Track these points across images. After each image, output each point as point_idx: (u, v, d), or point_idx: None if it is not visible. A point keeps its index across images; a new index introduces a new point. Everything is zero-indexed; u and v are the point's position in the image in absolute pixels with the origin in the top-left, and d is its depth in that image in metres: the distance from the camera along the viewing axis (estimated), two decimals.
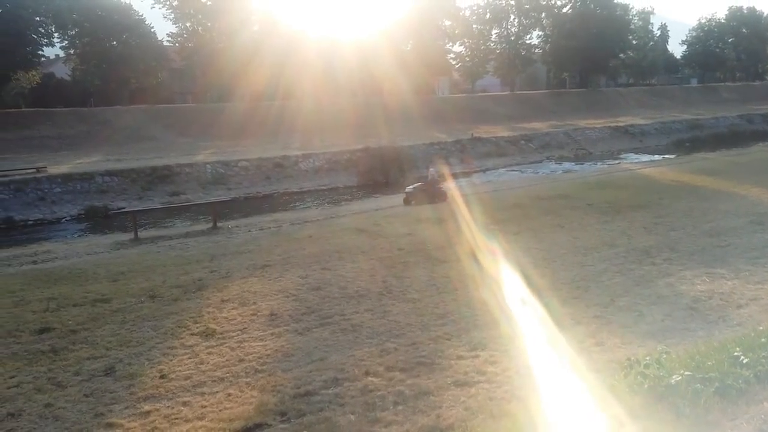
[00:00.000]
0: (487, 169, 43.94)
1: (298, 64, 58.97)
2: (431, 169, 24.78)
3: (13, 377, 8.87)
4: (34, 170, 31.73)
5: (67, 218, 28.86)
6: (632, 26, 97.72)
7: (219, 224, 20.03)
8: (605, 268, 13.43)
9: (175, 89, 68.47)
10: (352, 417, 7.40)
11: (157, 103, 57.48)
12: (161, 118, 51.26)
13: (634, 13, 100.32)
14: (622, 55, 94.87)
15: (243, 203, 31.63)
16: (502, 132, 54.40)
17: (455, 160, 44.59)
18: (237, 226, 20.06)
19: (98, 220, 28.16)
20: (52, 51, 65.17)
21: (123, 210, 27.47)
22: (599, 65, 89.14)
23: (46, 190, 30.10)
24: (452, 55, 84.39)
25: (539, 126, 59.30)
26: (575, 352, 8.88)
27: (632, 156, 50.22)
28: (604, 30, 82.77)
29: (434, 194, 23.38)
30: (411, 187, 24.19)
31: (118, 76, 55.82)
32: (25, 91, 50.85)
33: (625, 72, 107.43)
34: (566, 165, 45.52)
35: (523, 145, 51.83)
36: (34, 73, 50.73)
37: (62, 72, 63.65)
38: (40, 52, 50.40)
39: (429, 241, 16.38)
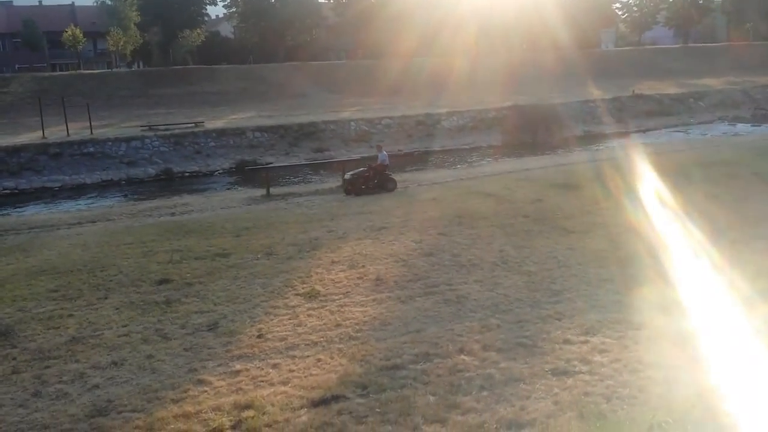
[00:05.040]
0: (648, 130, 40.70)
1: (452, 20, 57.77)
2: (380, 153, 20.08)
3: (125, 326, 9.37)
4: (193, 125, 33.91)
5: (219, 171, 30.62)
6: None
7: None
8: (764, 247, 11.69)
9: (329, 46, 70.04)
10: (431, 398, 6.96)
11: (311, 59, 59.14)
12: (313, 75, 52.69)
13: None
14: None
15: None
16: (668, 88, 50.13)
17: (611, 119, 41.76)
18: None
19: (247, 174, 29.45)
20: (216, 10, 69.13)
21: (265, 165, 28.41)
22: None
23: (202, 144, 32.09)
24: (618, 5, 78.65)
25: (713, 83, 53.85)
26: (703, 348, 7.76)
27: None
28: None
29: (381, 182, 19.24)
30: (351, 173, 19.64)
31: (275, 34, 57.99)
32: (193, 49, 54.39)
33: None
34: (740, 127, 40.95)
35: (692, 104, 47.43)
36: (198, 31, 54.07)
37: (227, 30, 67.37)
38: (203, 11, 53.70)
39: (560, 208, 15.33)
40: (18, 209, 23.82)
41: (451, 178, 21.19)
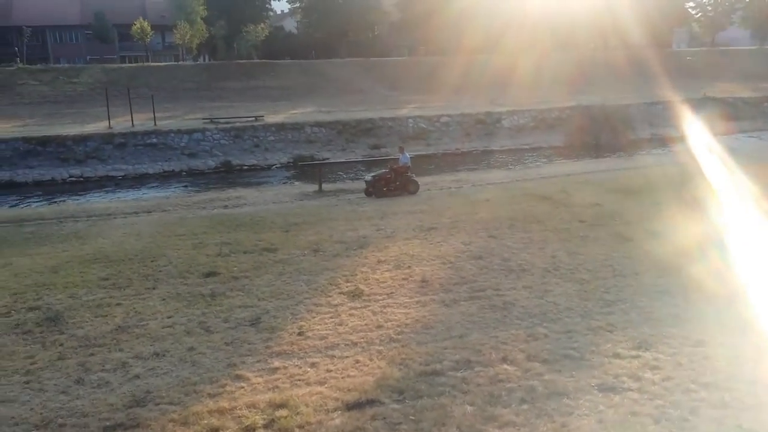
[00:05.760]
0: (719, 134, 38.93)
1: (519, 17, 56.76)
2: (402, 155, 19.45)
3: (170, 317, 9.44)
4: (253, 119, 34.38)
5: (277, 165, 30.91)
6: None
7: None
8: None
9: (391, 43, 69.93)
10: (469, 408, 6.71)
11: (373, 56, 59.16)
12: (373, 71, 52.73)
13: None
14: None
15: (439, 159, 31.43)
16: (742, 92, 48.03)
17: (680, 122, 40.17)
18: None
19: (302, 169, 29.64)
20: (281, 5, 69.98)
21: (320, 161, 28.46)
22: None
23: (261, 138, 32.52)
24: (692, 4, 75.73)
25: None
26: (765, 370, 7.24)
27: None
28: None
29: (402, 184, 18.64)
30: (371, 174, 19.15)
31: (337, 30, 58.33)
32: (257, 44, 55.23)
33: None
34: None
35: (767, 108, 45.24)
36: (262, 26, 54.81)
37: (291, 26, 68.18)
38: (268, 6, 54.57)
39: (619, 214, 14.75)
40: (80, 196, 24.67)
41: (507, 179, 20.74)
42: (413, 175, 19.29)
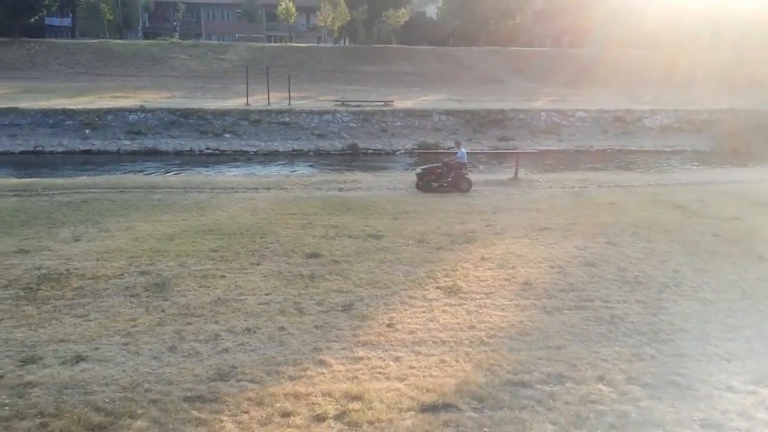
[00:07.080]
0: None
1: (674, 9, 52.97)
2: (459, 150, 18.16)
3: (267, 294, 9.60)
4: (383, 103, 34.61)
5: (401, 151, 30.94)
6: None
7: (521, 176, 19.26)
8: None
9: (533, 32, 67.85)
10: (550, 427, 6.26)
11: (513, 45, 57.71)
12: (511, 61, 51.44)
13: None
14: None
15: (569, 156, 30.09)
16: None
17: None
18: (539, 181, 19.04)
19: (427, 156, 29.43)
20: None
21: (435, 150, 28.09)
22: None
23: (389, 123, 32.65)
24: None
25: None
26: None
27: None
28: None
29: (455, 181, 17.39)
30: (423, 167, 18.17)
31: (478, 17, 57.37)
32: (396, 28, 55.58)
33: None
34: None
35: None
36: (402, 11, 54.98)
37: (432, 12, 68.01)
38: None
39: (759, 231, 13.33)
40: (211, 168, 26.03)
41: (638, 182, 19.39)
42: (467, 172, 18.20)
